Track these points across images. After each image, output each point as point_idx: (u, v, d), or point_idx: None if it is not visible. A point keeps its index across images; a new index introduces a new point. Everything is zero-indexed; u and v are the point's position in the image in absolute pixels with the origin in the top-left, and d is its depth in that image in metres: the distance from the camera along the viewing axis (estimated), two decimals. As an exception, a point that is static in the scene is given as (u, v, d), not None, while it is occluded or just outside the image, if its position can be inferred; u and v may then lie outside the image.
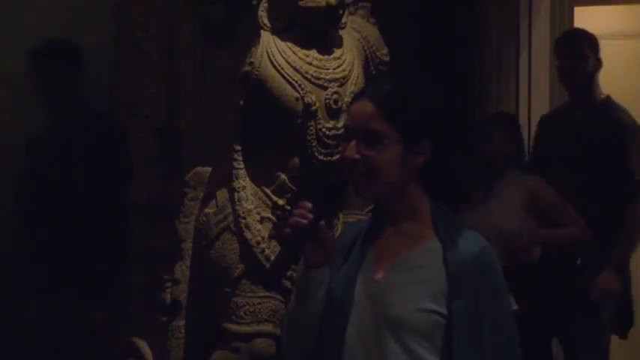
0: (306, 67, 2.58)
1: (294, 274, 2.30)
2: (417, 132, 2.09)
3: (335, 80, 2.60)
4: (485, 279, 2.07)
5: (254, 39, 2.57)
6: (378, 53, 2.77)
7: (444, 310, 2.04)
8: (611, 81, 6.21)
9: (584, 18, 5.45)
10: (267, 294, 2.56)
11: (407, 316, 2.04)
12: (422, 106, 2.13)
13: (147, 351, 2.77)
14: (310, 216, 2.09)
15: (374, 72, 2.76)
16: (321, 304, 2.16)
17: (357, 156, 2.09)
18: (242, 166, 2.59)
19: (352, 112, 2.15)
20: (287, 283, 2.49)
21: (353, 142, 2.10)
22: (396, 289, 2.08)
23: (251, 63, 2.55)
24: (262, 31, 2.59)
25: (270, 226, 2.57)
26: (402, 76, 2.42)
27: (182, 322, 2.69)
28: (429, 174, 2.13)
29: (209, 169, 2.70)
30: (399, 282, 2.08)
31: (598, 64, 3.69)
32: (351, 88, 2.61)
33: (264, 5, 2.60)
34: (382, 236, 2.16)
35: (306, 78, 2.57)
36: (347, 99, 2.59)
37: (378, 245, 2.16)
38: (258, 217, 2.56)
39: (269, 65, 2.56)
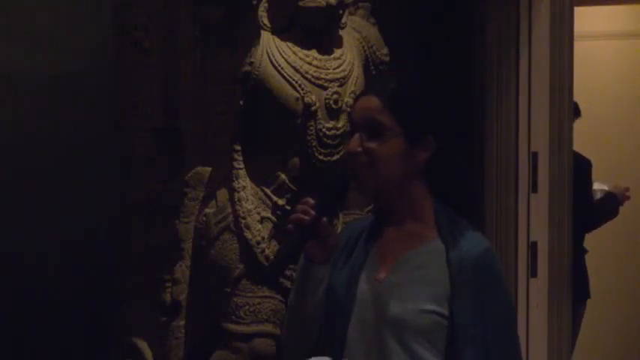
0: (306, 67, 2.58)
1: (294, 274, 2.31)
2: (421, 127, 2.10)
3: (335, 80, 2.60)
4: (488, 279, 2.07)
5: (254, 39, 2.57)
6: (378, 53, 2.78)
7: (445, 311, 2.04)
8: (611, 81, 6.25)
9: (584, 18, 5.46)
10: (268, 294, 2.56)
11: (408, 317, 2.04)
12: (426, 103, 2.14)
13: (147, 351, 2.77)
14: (312, 212, 2.10)
15: (374, 72, 2.76)
16: (321, 302, 2.16)
17: (359, 149, 2.10)
18: (242, 166, 2.60)
19: (357, 106, 2.17)
20: (287, 283, 2.49)
21: (357, 135, 2.11)
22: (397, 289, 2.08)
23: (251, 63, 2.55)
24: (262, 31, 2.59)
25: (270, 226, 2.57)
26: (402, 76, 2.42)
27: (182, 322, 2.69)
28: (433, 173, 2.14)
29: (209, 169, 2.70)
30: (401, 282, 2.08)
31: None
32: (351, 88, 2.62)
33: (264, 5, 2.60)
34: (385, 235, 2.17)
35: (306, 78, 2.57)
36: (347, 99, 2.60)
37: (380, 244, 2.16)
38: (258, 217, 2.57)
39: (269, 65, 2.56)
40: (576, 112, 5.01)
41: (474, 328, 2.03)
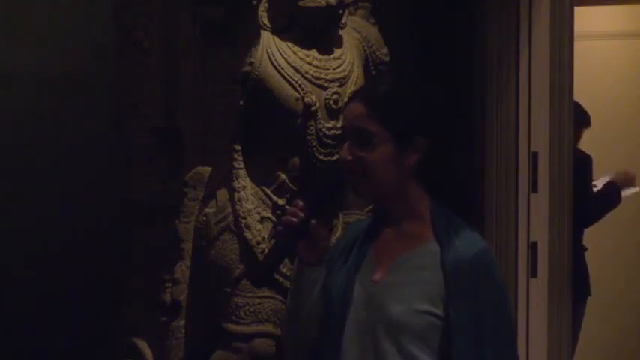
0: (306, 67, 2.58)
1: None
2: (407, 130, 2.10)
3: (335, 80, 2.60)
4: (484, 280, 2.07)
5: (254, 39, 2.57)
6: (378, 53, 2.78)
7: (440, 312, 2.04)
8: (611, 81, 6.25)
9: (584, 18, 5.45)
10: (268, 294, 2.56)
11: (403, 317, 2.04)
12: (411, 105, 2.13)
13: (147, 351, 2.77)
14: (301, 215, 2.11)
15: (374, 72, 2.76)
16: (317, 302, 2.17)
17: (349, 157, 2.11)
18: (242, 166, 2.60)
19: (345, 114, 2.18)
20: (287, 283, 2.49)
21: (347, 144, 2.12)
22: (393, 290, 2.08)
23: (251, 63, 2.55)
24: (262, 31, 2.59)
25: (270, 226, 2.57)
26: (402, 76, 2.41)
27: (182, 322, 2.69)
28: (428, 173, 2.14)
29: (209, 169, 2.71)
30: (397, 282, 2.09)
31: None
32: (351, 88, 2.62)
33: (264, 5, 2.60)
34: (382, 236, 2.17)
35: (306, 78, 2.57)
36: (347, 99, 2.60)
37: (377, 245, 2.16)
38: (258, 217, 2.57)
39: (269, 65, 2.56)
40: (587, 122, 5.03)
41: (470, 329, 2.02)
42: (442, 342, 2.04)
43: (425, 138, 2.11)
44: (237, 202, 2.57)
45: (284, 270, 2.51)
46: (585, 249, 4.97)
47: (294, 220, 2.11)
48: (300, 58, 2.59)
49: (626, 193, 5.11)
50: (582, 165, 4.65)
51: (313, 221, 2.13)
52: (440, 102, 2.32)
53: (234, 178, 2.59)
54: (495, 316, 2.07)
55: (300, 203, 2.13)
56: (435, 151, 2.12)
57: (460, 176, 3.54)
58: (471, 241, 2.10)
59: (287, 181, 2.59)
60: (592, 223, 4.94)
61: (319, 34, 2.63)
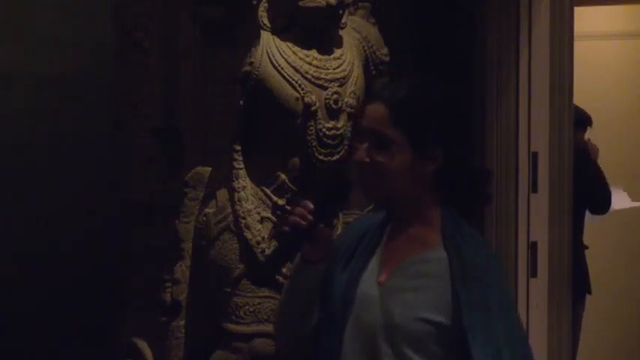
0: (306, 67, 2.58)
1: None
2: (427, 140, 2.08)
3: (335, 80, 2.60)
4: (493, 289, 2.05)
5: (254, 39, 2.57)
6: (378, 53, 2.78)
7: (444, 321, 2.03)
8: (611, 81, 6.25)
9: (584, 18, 5.46)
10: (268, 294, 2.56)
11: (403, 323, 2.04)
12: (435, 117, 2.11)
13: (147, 351, 2.77)
14: (310, 217, 2.09)
15: (374, 72, 2.76)
16: (313, 301, 2.16)
17: (366, 159, 2.09)
18: (242, 166, 2.60)
19: (366, 113, 2.14)
20: (287, 283, 2.49)
21: (364, 145, 2.09)
22: (396, 295, 2.07)
23: (251, 63, 2.55)
24: (262, 31, 2.59)
25: (270, 226, 2.57)
26: (412, 82, 2.35)
27: (182, 322, 2.69)
28: (442, 182, 2.12)
29: (209, 169, 2.71)
30: (400, 287, 2.07)
31: None
32: (351, 88, 2.62)
33: (264, 5, 2.60)
34: (390, 238, 2.15)
35: (306, 78, 2.57)
36: (347, 99, 2.60)
37: (385, 247, 2.15)
38: (258, 217, 2.57)
39: (269, 65, 2.56)
40: (589, 121, 5.03)
41: (485, 339, 2.00)
42: (443, 351, 2.03)
43: (442, 148, 2.09)
44: (237, 202, 2.57)
45: (284, 270, 2.51)
46: (586, 247, 4.97)
47: (303, 222, 2.10)
48: (300, 58, 2.59)
49: (621, 206, 5.14)
50: (583, 157, 4.67)
51: (322, 225, 2.12)
52: (460, 114, 2.29)
53: (234, 178, 2.59)
54: (508, 325, 2.05)
55: (310, 205, 2.11)
56: (450, 160, 2.11)
57: (474, 184, 3.53)
58: (479, 250, 2.09)
59: (287, 181, 2.59)
60: (607, 209, 4.96)
61: (319, 34, 2.63)
